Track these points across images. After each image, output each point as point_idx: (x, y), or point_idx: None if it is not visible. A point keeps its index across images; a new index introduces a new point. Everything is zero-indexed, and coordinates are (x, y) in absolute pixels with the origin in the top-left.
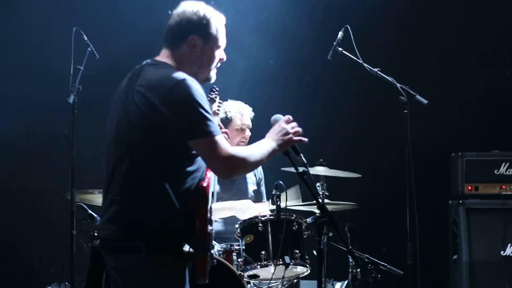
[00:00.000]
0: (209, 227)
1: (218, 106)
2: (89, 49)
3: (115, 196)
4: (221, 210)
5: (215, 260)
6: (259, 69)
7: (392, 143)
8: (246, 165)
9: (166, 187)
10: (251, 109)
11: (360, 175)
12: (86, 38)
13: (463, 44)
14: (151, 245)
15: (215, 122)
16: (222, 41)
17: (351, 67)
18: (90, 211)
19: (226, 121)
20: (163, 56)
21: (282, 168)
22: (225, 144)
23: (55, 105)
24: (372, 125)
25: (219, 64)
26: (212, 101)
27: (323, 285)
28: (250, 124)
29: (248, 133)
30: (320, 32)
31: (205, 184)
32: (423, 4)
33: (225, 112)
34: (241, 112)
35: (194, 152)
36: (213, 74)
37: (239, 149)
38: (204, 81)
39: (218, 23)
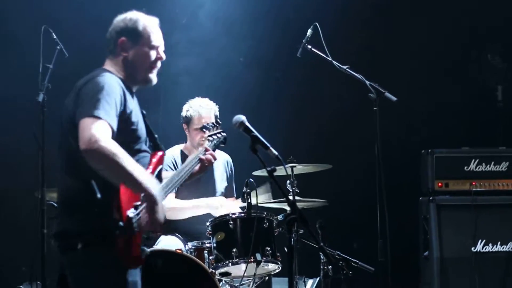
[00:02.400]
0: (132, 212)
1: (212, 136)
2: (58, 47)
3: (57, 198)
4: (195, 208)
5: (146, 249)
6: (229, 67)
7: (362, 140)
8: (105, 160)
9: (89, 177)
10: (216, 107)
11: (330, 166)
12: (55, 36)
13: (432, 43)
14: (83, 241)
15: (110, 113)
16: (156, 41)
17: (320, 64)
18: None
19: (187, 120)
20: (106, 64)
21: (253, 173)
22: (104, 130)
23: (24, 104)
24: (342, 122)
25: (159, 65)
26: (206, 128)
27: (294, 282)
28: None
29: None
30: (290, 29)
31: None
32: (393, 2)
33: (187, 111)
34: (199, 112)
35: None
36: (152, 76)
37: (115, 145)
38: (144, 83)
39: (147, 23)
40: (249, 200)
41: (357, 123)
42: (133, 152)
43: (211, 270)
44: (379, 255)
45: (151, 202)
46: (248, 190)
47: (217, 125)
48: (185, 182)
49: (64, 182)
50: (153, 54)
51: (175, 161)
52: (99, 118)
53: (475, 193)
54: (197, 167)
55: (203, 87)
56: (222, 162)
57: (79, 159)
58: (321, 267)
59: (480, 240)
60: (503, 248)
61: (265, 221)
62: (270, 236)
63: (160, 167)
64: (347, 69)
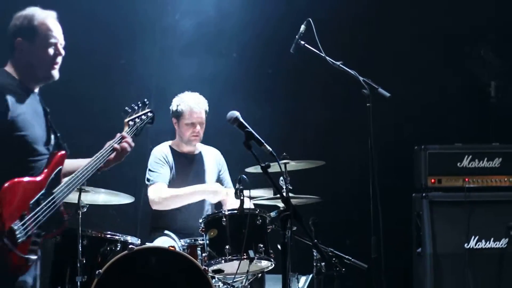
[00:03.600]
0: (16, 223)
1: (134, 120)
2: None
3: None
4: (191, 195)
5: (32, 257)
6: (221, 63)
7: (356, 136)
8: None
9: None
10: (205, 101)
11: (323, 162)
12: None
13: (425, 38)
14: None
15: None
16: (54, 37)
17: (313, 60)
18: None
19: (178, 115)
20: (8, 65)
21: (246, 169)
22: None
23: None
24: (335, 118)
25: (59, 60)
26: (126, 112)
27: (288, 279)
28: (202, 117)
29: (198, 128)
30: (283, 25)
31: (6, 185)
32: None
33: (177, 105)
34: (191, 107)
35: None
36: (54, 72)
37: None
38: (45, 80)
39: (43, 20)
40: (241, 197)
41: (350, 119)
42: (24, 158)
43: (204, 267)
44: (372, 252)
45: None
46: (241, 187)
47: (140, 107)
48: (101, 169)
49: None
50: (51, 51)
51: (167, 157)
52: None
53: (468, 189)
54: (112, 156)
55: (195, 83)
56: (213, 159)
57: None
58: (314, 264)
59: (473, 237)
60: (496, 244)
61: (258, 218)
62: (263, 233)
63: (58, 167)
64: (340, 65)
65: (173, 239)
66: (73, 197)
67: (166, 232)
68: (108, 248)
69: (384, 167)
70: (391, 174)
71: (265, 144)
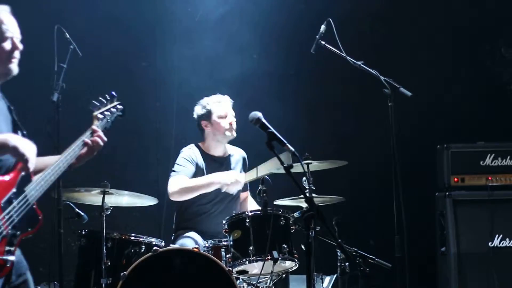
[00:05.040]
0: None
1: (104, 113)
2: (71, 47)
3: None
4: (207, 185)
5: (9, 258)
6: (242, 64)
7: (378, 135)
8: None
9: None
10: (228, 97)
11: (346, 162)
12: (68, 36)
13: (446, 36)
14: None
15: None
16: (9, 31)
17: (334, 60)
18: (77, 210)
19: (207, 114)
20: None
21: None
22: None
23: (39, 103)
24: (357, 118)
25: (17, 55)
26: (95, 106)
27: (312, 280)
28: (232, 110)
29: (232, 118)
30: (302, 25)
31: None
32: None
33: (203, 107)
34: (218, 101)
35: None
36: (12, 67)
37: None
38: (4, 76)
39: None
40: (265, 198)
41: (372, 118)
42: None
43: (228, 268)
44: (396, 251)
45: None
46: (264, 188)
47: (109, 100)
48: (73, 166)
49: None
50: (7, 45)
51: (196, 158)
52: None
53: (491, 187)
54: (83, 151)
55: (215, 85)
56: (239, 159)
57: None
58: (338, 264)
59: (497, 235)
60: None
61: (282, 218)
62: (287, 234)
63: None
64: (361, 65)
65: (198, 241)
66: (96, 200)
67: (191, 233)
68: (133, 250)
69: (407, 166)
70: (414, 174)
71: (287, 144)
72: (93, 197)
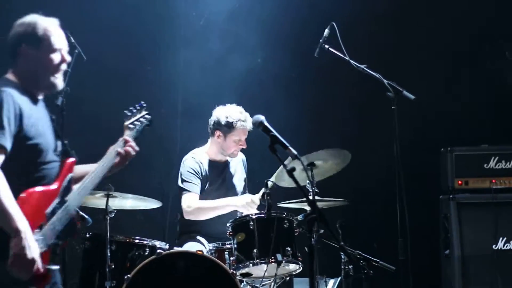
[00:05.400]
0: (35, 234)
1: (134, 123)
2: (76, 51)
3: None
4: (221, 208)
5: (53, 267)
6: (246, 68)
7: (382, 139)
8: None
9: None
10: (251, 121)
11: (348, 162)
12: (73, 40)
13: (450, 39)
14: None
15: (2, 134)
16: (58, 44)
17: (338, 64)
18: (81, 213)
19: (227, 129)
20: (9, 73)
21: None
22: None
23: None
24: (361, 121)
25: (63, 67)
26: (126, 116)
27: (315, 282)
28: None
29: (244, 145)
30: (307, 28)
31: (42, 189)
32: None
33: (226, 118)
34: (244, 125)
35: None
36: (57, 81)
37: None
38: (48, 89)
39: (46, 26)
40: (269, 201)
41: (376, 121)
42: (37, 166)
43: (232, 271)
44: (399, 254)
45: (16, 245)
46: (268, 191)
47: (138, 109)
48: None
49: None
50: (56, 58)
51: (201, 167)
52: None
53: (495, 190)
54: (116, 160)
55: (219, 87)
56: (239, 163)
57: None
58: (342, 266)
59: (501, 238)
60: None
61: (285, 221)
62: (291, 236)
63: (69, 176)
64: (365, 68)
65: (202, 244)
66: (100, 203)
67: (196, 236)
68: (137, 253)
69: (411, 170)
70: (418, 177)
71: (290, 147)
72: (97, 200)
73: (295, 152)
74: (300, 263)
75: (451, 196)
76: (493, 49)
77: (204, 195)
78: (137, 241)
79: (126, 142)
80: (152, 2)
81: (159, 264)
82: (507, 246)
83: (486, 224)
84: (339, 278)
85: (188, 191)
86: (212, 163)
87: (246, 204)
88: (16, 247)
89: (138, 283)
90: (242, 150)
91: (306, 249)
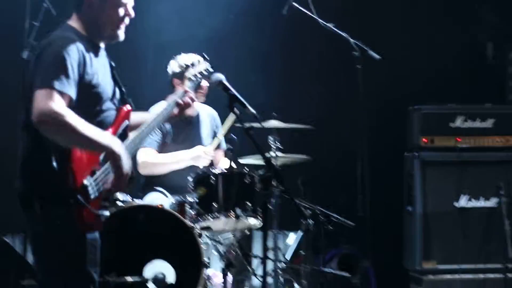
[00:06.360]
0: (88, 179)
1: (196, 75)
2: (44, 5)
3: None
4: (178, 162)
5: (105, 213)
6: (217, 25)
7: (347, 97)
8: (58, 130)
9: (46, 145)
10: (202, 59)
11: (312, 127)
12: None
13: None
14: (40, 200)
15: (66, 83)
16: None
17: (304, 22)
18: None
19: (181, 74)
20: (71, 19)
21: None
22: (57, 101)
23: (8, 61)
24: (325, 79)
25: (127, 21)
26: (193, 65)
27: (268, 236)
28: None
29: (205, 83)
30: None
31: None
32: None
33: (180, 66)
34: (192, 63)
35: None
36: (120, 33)
37: (68, 115)
38: (110, 39)
39: None
40: (231, 156)
41: (342, 81)
42: (96, 113)
43: (191, 225)
44: (358, 211)
45: (114, 160)
46: (231, 147)
47: (201, 62)
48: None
49: (23, 141)
50: (121, 11)
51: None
52: (53, 88)
53: (460, 149)
54: (174, 111)
55: (190, 45)
56: (209, 118)
57: (35, 129)
58: (303, 221)
59: (463, 196)
60: (486, 203)
61: (247, 176)
62: (252, 192)
63: (125, 123)
64: (332, 27)
65: (166, 195)
66: None
67: (158, 188)
68: None
69: (377, 128)
70: (385, 134)
71: (248, 106)
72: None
73: (254, 111)
74: (259, 218)
75: (415, 154)
76: (466, 6)
77: (164, 150)
78: None
79: (185, 92)
80: None
81: (119, 217)
82: (469, 204)
83: (450, 182)
84: (300, 232)
85: (144, 145)
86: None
87: (198, 157)
88: (115, 164)
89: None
90: (212, 106)
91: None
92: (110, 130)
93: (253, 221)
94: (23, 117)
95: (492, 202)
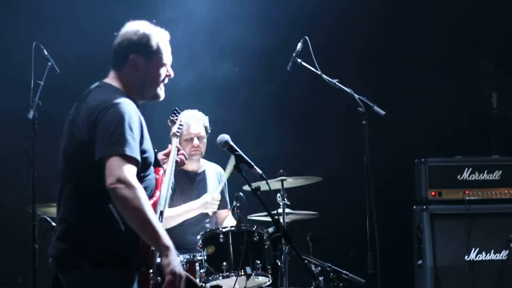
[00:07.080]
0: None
1: (179, 128)
2: (49, 63)
3: (63, 215)
4: (187, 212)
5: (159, 278)
6: (224, 78)
7: (354, 152)
8: (129, 204)
9: (111, 207)
10: (205, 117)
11: (320, 178)
12: (46, 53)
13: (424, 50)
14: (93, 262)
15: (135, 148)
16: (167, 58)
17: (310, 77)
18: (53, 224)
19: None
20: (110, 78)
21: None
22: (133, 172)
23: (15, 120)
24: (332, 134)
25: (166, 81)
26: (172, 122)
27: None
28: (200, 132)
29: (196, 141)
30: (285, 43)
31: (151, 202)
32: (386, 17)
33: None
34: (187, 122)
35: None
36: (161, 92)
37: (141, 191)
38: (152, 99)
39: (159, 40)
40: (239, 214)
41: (348, 135)
42: (142, 178)
43: (201, 283)
44: (368, 268)
45: (167, 265)
46: (238, 204)
47: (177, 117)
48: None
49: (75, 202)
50: (163, 72)
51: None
52: (126, 156)
53: (469, 201)
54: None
55: (193, 99)
56: (215, 175)
57: (101, 191)
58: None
59: (473, 249)
60: (496, 256)
61: (256, 234)
62: (261, 249)
63: (163, 185)
64: (336, 83)
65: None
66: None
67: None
68: None
69: (385, 182)
70: (393, 189)
71: (255, 167)
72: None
73: (260, 171)
74: (269, 275)
75: (424, 207)
76: (469, 59)
77: (174, 204)
78: None
79: (179, 150)
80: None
81: None
82: (479, 257)
83: (459, 235)
84: None
85: None
86: (180, 172)
87: (205, 204)
88: (169, 266)
89: None
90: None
91: (278, 261)
92: (157, 193)
93: (263, 279)
94: (70, 182)
95: (502, 255)
